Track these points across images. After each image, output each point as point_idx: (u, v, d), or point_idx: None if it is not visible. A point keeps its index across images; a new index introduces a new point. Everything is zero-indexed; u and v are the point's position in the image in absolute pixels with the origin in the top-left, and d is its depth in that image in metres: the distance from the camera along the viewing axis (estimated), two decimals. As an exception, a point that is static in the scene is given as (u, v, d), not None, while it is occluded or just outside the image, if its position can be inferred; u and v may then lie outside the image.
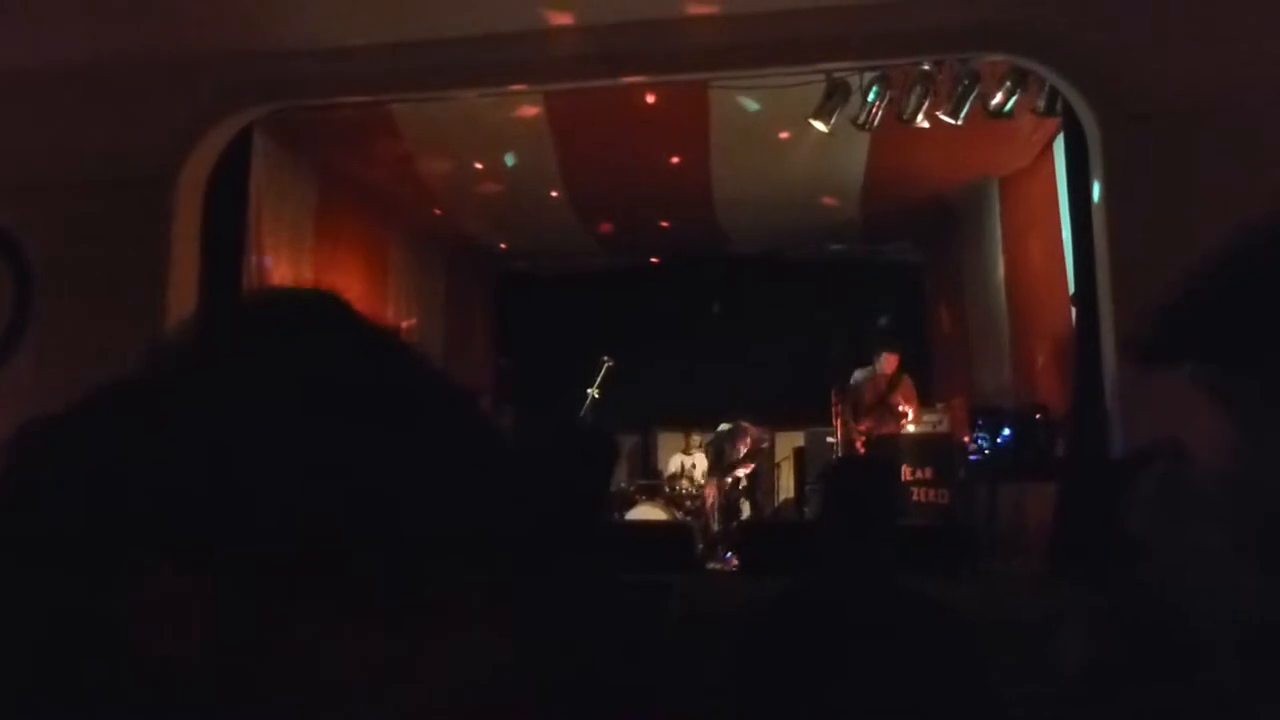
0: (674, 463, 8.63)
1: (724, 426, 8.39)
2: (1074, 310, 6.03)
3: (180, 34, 5.35)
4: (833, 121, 6.35)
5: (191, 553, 0.50)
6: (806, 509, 7.96)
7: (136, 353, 0.57)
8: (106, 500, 0.51)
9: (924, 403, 7.90)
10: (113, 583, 0.50)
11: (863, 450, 7.58)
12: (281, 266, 7.42)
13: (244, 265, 6.63)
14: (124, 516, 0.50)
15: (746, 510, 8.42)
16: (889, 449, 7.47)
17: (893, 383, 7.79)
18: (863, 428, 7.76)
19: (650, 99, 6.79)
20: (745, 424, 8.45)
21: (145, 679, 0.49)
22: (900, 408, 7.66)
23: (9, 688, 0.50)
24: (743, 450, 8.32)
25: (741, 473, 8.27)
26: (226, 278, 6.26)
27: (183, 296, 5.76)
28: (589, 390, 7.93)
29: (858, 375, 7.93)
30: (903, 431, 7.61)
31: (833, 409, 7.88)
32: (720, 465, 8.29)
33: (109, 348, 0.57)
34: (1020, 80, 6.02)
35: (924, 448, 7.46)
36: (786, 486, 9.38)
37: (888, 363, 7.82)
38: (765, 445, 8.67)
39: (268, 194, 7.15)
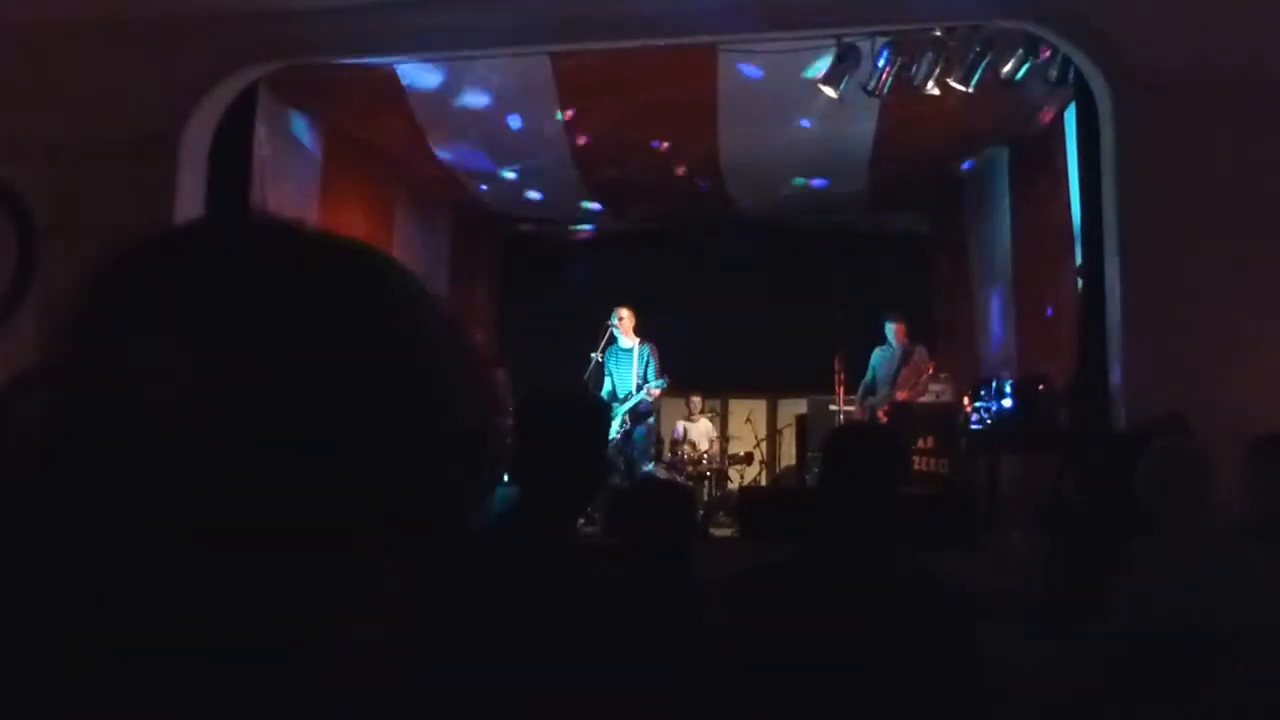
0: (676, 428, 8.63)
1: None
2: (1080, 282, 5.99)
3: (184, -11, 5.29)
4: (842, 87, 6.29)
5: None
6: (808, 477, 7.97)
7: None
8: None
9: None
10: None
11: (885, 419, 7.54)
12: (286, 226, 7.39)
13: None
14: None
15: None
16: (902, 418, 7.45)
17: (905, 354, 7.79)
18: (878, 398, 7.76)
19: (658, 63, 6.72)
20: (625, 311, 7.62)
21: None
22: (925, 375, 7.65)
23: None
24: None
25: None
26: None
27: (187, 255, 5.75)
28: (593, 355, 7.91)
29: (875, 356, 7.91)
30: (920, 399, 7.61)
31: (835, 376, 7.87)
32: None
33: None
34: (1033, 48, 5.95)
35: (926, 417, 7.46)
36: (788, 454, 9.40)
37: (897, 333, 7.80)
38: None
39: (271, 153, 7.12)
